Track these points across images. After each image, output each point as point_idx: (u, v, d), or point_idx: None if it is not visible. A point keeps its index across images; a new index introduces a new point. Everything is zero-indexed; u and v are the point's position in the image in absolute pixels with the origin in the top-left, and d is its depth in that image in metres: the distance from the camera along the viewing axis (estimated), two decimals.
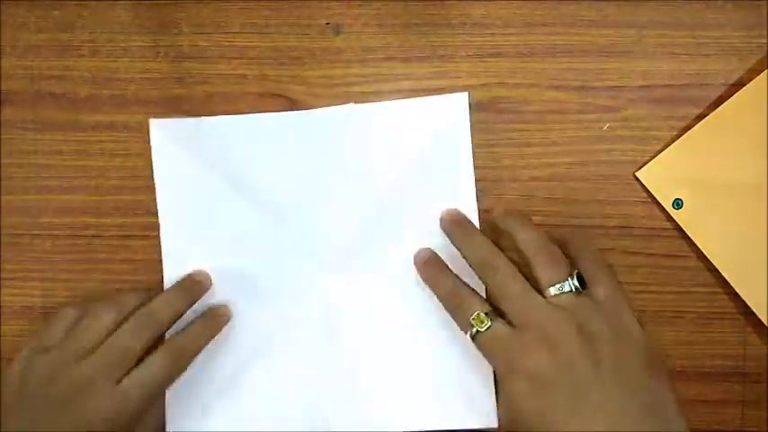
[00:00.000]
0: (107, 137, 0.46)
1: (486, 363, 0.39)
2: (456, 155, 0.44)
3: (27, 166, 0.47)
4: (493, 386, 0.43)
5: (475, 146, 0.45)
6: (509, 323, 0.38)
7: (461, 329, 0.39)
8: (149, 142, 0.46)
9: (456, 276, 0.41)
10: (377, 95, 0.46)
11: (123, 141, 0.46)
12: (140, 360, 0.40)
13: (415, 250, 0.44)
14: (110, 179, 0.46)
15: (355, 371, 0.44)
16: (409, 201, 0.44)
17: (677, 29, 0.45)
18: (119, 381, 0.39)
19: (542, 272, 0.39)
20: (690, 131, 0.44)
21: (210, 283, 0.44)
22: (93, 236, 0.46)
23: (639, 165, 0.45)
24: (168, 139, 0.45)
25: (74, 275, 0.47)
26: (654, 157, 0.45)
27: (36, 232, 0.47)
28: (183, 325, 0.43)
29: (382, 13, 0.46)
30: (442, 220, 0.43)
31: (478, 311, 0.39)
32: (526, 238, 0.40)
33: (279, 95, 0.46)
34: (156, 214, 0.45)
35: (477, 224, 0.44)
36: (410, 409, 0.43)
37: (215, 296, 0.44)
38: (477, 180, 0.45)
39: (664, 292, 0.45)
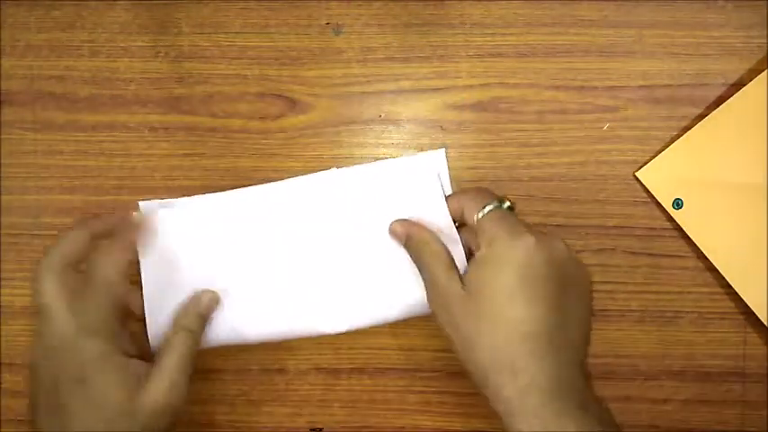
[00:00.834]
0: (107, 137, 0.46)
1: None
2: (437, 212, 0.43)
3: (27, 166, 0.47)
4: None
5: (475, 146, 0.46)
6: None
7: (477, 211, 0.39)
8: (149, 142, 0.46)
9: None
10: (377, 95, 0.46)
11: (123, 141, 0.46)
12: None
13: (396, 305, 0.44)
14: (110, 179, 0.46)
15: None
16: (394, 259, 0.44)
17: (677, 29, 0.45)
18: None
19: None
20: (690, 131, 0.44)
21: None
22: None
23: (639, 165, 0.45)
24: (158, 218, 0.43)
25: None
26: (654, 157, 0.45)
27: (36, 232, 0.47)
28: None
29: (382, 13, 0.46)
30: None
31: (502, 196, 0.40)
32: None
33: (279, 95, 0.46)
34: None
35: None
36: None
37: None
38: (477, 180, 0.45)
39: (664, 292, 0.45)
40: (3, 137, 0.47)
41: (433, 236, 0.41)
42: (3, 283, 0.47)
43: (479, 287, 0.37)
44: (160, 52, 0.46)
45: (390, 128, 0.46)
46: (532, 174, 0.45)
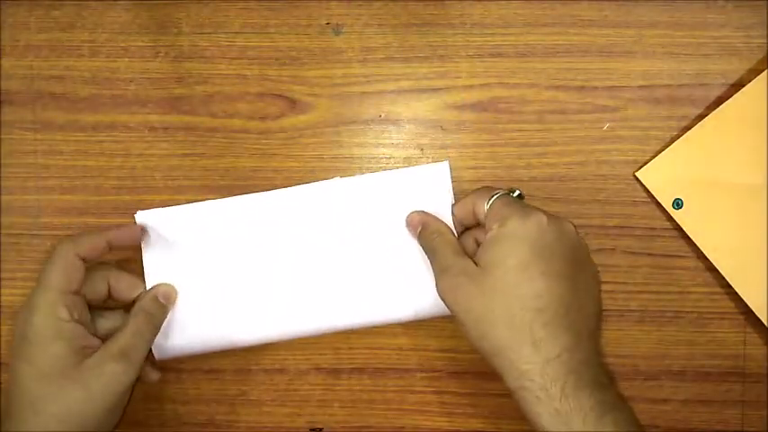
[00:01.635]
0: (107, 137, 0.46)
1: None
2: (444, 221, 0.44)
3: (27, 166, 0.47)
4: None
5: (475, 146, 0.46)
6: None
7: (487, 199, 0.40)
8: (149, 142, 0.46)
9: None
10: (377, 95, 0.46)
11: (123, 141, 0.46)
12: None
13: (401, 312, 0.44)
14: (110, 179, 0.46)
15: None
16: (397, 269, 0.44)
17: (677, 29, 0.45)
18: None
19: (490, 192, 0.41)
20: (690, 131, 0.44)
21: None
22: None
23: (639, 165, 0.45)
24: (155, 228, 0.44)
25: None
26: (654, 157, 0.45)
27: (36, 232, 0.47)
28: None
29: (382, 13, 0.46)
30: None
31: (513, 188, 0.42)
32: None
33: (279, 95, 0.46)
34: None
35: None
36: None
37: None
38: (477, 180, 0.45)
39: (664, 292, 0.45)
40: (3, 137, 0.47)
41: (447, 228, 0.42)
42: (3, 283, 0.47)
43: (492, 264, 0.37)
44: (160, 52, 0.46)
45: (390, 128, 0.46)
46: (532, 174, 0.45)
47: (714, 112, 0.44)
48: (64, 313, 0.39)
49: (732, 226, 0.44)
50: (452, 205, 0.43)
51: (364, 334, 0.46)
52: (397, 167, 0.46)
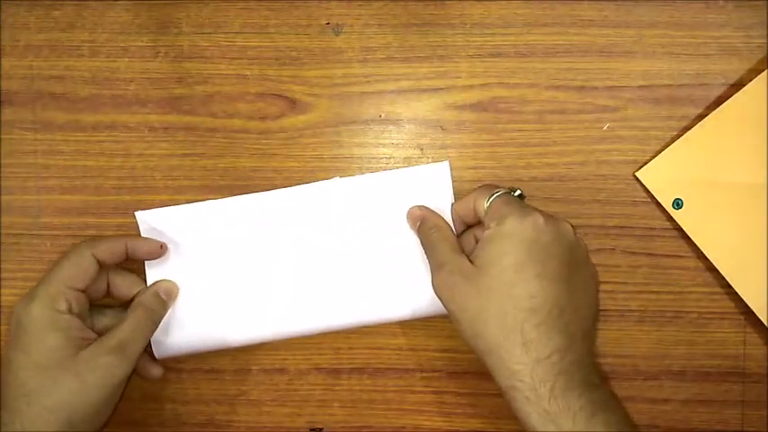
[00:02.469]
0: (107, 137, 0.46)
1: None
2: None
3: (27, 166, 0.47)
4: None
5: (475, 146, 0.46)
6: None
7: (486, 198, 0.40)
8: (149, 142, 0.46)
9: None
10: (377, 95, 0.46)
11: (123, 141, 0.46)
12: None
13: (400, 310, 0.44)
14: (110, 179, 0.46)
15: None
16: (396, 268, 0.44)
17: (677, 29, 0.45)
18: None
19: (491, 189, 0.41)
20: (690, 131, 0.44)
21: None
22: (93, 236, 0.46)
23: (639, 165, 0.45)
24: (155, 228, 0.44)
25: None
26: (654, 157, 0.45)
27: (36, 232, 0.47)
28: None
29: (382, 13, 0.46)
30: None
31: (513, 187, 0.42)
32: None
33: (279, 95, 0.46)
34: None
35: None
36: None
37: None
38: (477, 180, 0.45)
39: (664, 292, 0.45)
40: (3, 137, 0.47)
41: (446, 223, 0.42)
42: (3, 283, 0.47)
43: (488, 263, 0.38)
44: (160, 52, 0.46)
45: (390, 128, 0.46)
46: (532, 174, 0.45)
47: (714, 112, 0.44)
48: (63, 306, 0.39)
49: (732, 226, 0.44)
50: (453, 204, 0.43)
51: (364, 334, 0.46)
52: (397, 167, 0.46)
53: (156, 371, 0.44)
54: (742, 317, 0.45)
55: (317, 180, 0.45)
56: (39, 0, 0.46)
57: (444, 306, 0.39)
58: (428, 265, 0.42)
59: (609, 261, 0.45)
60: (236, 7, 0.46)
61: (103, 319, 0.43)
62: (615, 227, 0.45)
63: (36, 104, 0.47)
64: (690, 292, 0.45)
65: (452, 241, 0.41)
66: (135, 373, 0.42)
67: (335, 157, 0.46)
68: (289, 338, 0.45)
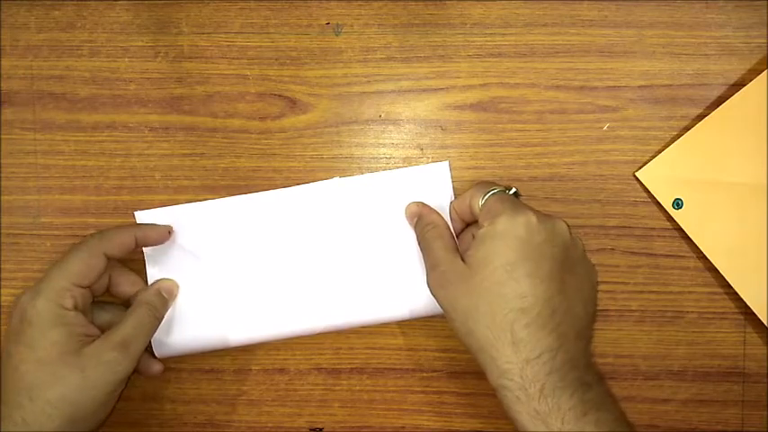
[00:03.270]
0: (107, 137, 0.46)
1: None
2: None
3: (27, 166, 0.47)
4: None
5: (475, 146, 0.46)
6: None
7: (481, 196, 0.40)
8: (149, 142, 0.46)
9: None
10: (377, 95, 0.46)
11: (123, 141, 0.46)
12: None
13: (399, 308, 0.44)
14: (110, 179, 0.46)
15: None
16: (395, 268, 0.44)
17: (677, 29, 0.45)
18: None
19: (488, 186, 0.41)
20: (690, 131, 0.44)
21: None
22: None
23: (639, 165, 0.45)
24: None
25: None
26: (654, 157, 0.45)
27: (36, 232, 0.47)
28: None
29: (382, 13, 0.46)
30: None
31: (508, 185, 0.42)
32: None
33: (279, 95, 0.46)
34: None
35: None
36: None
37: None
38: (477, 180, 0.45)
39: (664, 292, 0.45)
40: (3, 137, 0.47)
41: (442, 221, 0.42)
42: (3, 283, 0.47)
43: (480, 262, 0.37)
44: (160, 52, 0.46)
45: (390, 128, 0.46)
46: (532, 174, 0.45)
47: (714, 112, 0.44)
48: (69, 302, 0.39)
49: (732, 226, 0.44)
50: (451, 202, 0.43)
51: (364, 334, 0.46)
52: (397, 167, 0.46)
53: (157, 367, 0.44)
54: (742, 317, 0.45)
55: (317, 180, 0.45)
56: (39, 0, 0.46)
57: (439, 304, 0.39)
58: None
59: (609, 261, 0.45)
60: (236, 7, 0.46)
61: (104, 315, 0.43)
62: (615, 227, 0.45)
63: (36, 104, 0.47)
64: (690, 292, 0.45)
65: (447, 240, 0.41)
66: (136, 370, 0.42)
67: (335, 157, 0.46)
68: (288, 338, 0.45)
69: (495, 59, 0.45)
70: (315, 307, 0.44)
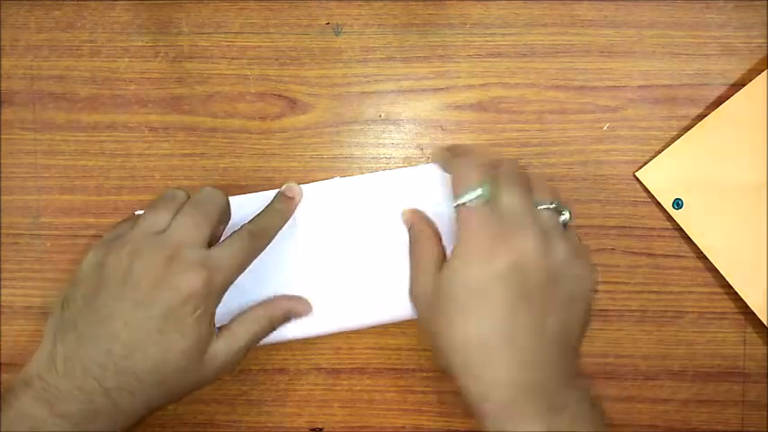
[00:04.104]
0: (107, 137, 0.46)
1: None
2: (442, 221, 0.43)
3: (27, 166, 0.47)
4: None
5: (475, 146, 0.46)
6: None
7: (459, 195, 0.38)
8: (149, 142, 0.46)
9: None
10: (377, 95, 0.46)
11: (123, 141, 0.46)
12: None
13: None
14: (110, 179, 0.46)
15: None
16: (395, 269, 0.44)
17: (677, 29, 0.45)
18: (198, 262, 0.38)
19: (539, 191, 0.39)
20: (690, 131, 0.44)
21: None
22: (93, 236, 0.46)
23: (639, 165, 0.45)
24: None
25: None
26: (654, 157, 0.45)
27: (36, 232, 0.47)
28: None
29: (382, 13, 0.46)
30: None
31: (485, 182, 0.38)
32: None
33: (279, 95, 0.46)
34: None
35: None
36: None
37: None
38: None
39: (664, 292, 0.45)
40: (3, 137, 0.47)
41: (433, 232, 0.42)
42: (3, 283, 0.47)
43: (446, 288, 0.37)
44: (160, 52, 0.46)
45: (390, 128, 0.46)
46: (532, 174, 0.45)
47: (714, 112, 0.44)
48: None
49: (732, 226, 0.44)
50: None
51: (364, 334, 0.46)
52: (397, 167, 0.46)
53: None
54: (742, 317, 0.45)
55: (317, 180, 0.45)
56: (39, 0, 0.46)
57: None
58: None
59: (609, 261, 0.45)
60: (236, 7, 0.46)
61: None
62: (615, 227, 0.45)
63: (36, 104, 0.47)
64: (690, 292, 0.45)
65: (430, 254, 0.40)
66: None
67: (335, 157, 0.46)
68: (288, 340, 0.45)
69: (495, 59, 0.45)
70: (317, 309, 0.44)
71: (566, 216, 0.39)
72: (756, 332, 0.45)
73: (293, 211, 0.44)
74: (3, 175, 0.47)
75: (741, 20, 0.44)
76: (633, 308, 0.46)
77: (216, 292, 0.38)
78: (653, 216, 0.45)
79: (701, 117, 0.44)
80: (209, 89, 0.46)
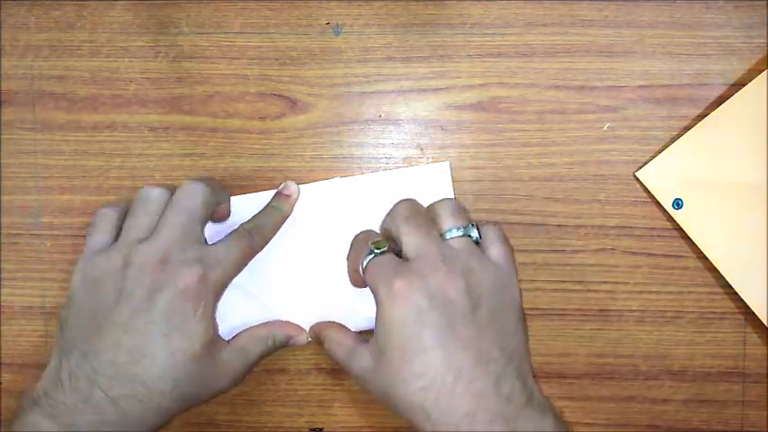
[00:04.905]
0: (107, 137, 0.46)
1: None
2: None
3: (27, 166, 0.47)
4: None
5: (475, 146, 0.46)
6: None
7: (360, 263, 0.40)
8: (149, 142, 0.46)
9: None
10: (377, 95, 0.46)
11: (123, 141, 0.46)
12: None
13: None
14: (110, 179, 0.46)
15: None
16: None
17: (677, 29, 0.45)
18: (192, 260, 0.38)
19: (444, 221, 0.40)
20: (690, 131, 0.44)
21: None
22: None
23: (639, 165, 0.45)
24: None
25: None
26: (654, 157, 0.45)
27: (36, 232, 0.47)
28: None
29: (382, 13, 0.46)
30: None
31: (380, 240, 0.40)
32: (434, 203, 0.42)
33: (279, 95, 0.46)
34: None
35: None
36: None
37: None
38: (477, 180, 0.45)
39: (664, 292, 0.45)
40: (3, 137, 0.47)
41: (338, 326, 0.43)
42: (3, 283, 0.47)
43: (378, 347, 0.37)
44: (160, 52, 0.46)
45: (390, 128, 0.46)
46: (532, 174, 0.45)
47: (714, 112, 0.44)
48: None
49: (732, 226, 0.44)
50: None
51: (364, 334, 0.46)
52: (397, 167, 0.46)
53: None
54: (742, 317, 0.45)
55: (317, 180, 0.45)
56: (39, 0, 0.46)
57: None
58: None
59: (609, 261, 0.45)
60: (236, 7, 0.46)
61: None
62: (615, 227, 0.45)
63: (36, 104, 0.47)
64: (690, 292, 0.45)
65: (346, 342, 0.41)
66: None
67: (335, 157, 0.46)
68: None
69: (494, 59, 0.45)
70: (316, 308, 0.44)
71: (474, 236, 0.39)
72: (756, 332, 0.45)
73: (292, 208, 0.44)
74: (3, 175, 0.47)
75: (741, 20, 0.44)
76: (633, 308, 0.46)
77: (214, 288, 0.38)
78: (653, 216, 0.45)
79: (701, 117, 0.44)
80: (210, 89, 0.46)
